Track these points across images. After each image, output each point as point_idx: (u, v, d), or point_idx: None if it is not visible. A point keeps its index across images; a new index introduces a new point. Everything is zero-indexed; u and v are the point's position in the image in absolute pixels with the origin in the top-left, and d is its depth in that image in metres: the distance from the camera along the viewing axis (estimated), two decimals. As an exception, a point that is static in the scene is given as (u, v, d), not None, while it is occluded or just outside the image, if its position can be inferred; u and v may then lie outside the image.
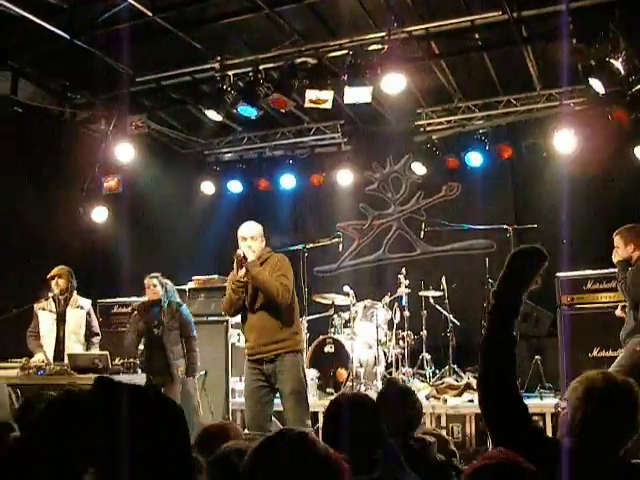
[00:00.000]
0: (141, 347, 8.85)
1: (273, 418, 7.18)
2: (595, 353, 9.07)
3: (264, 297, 6.89)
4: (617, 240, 7.54)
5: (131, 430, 2.11)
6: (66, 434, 2.94)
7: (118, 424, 2.12)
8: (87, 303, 9.10)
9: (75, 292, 9.02)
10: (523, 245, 3.18)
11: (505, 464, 2.79)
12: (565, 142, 10.52)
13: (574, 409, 3.16)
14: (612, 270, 8.12)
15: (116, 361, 8.17)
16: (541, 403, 9.00)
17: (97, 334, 9.10)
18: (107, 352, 8.02)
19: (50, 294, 8.84)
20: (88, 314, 9.06)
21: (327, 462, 2.29)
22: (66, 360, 8.22)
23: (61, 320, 8.85)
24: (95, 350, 8.85)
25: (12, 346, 8.71)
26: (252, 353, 6.98)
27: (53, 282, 8.86)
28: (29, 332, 8.80)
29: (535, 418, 8.67)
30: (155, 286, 8.87)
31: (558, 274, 9.35)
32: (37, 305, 8.84)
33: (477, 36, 9.20)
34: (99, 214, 11.14)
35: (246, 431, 6.59)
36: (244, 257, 6.90)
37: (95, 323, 9.14)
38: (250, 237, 7.04)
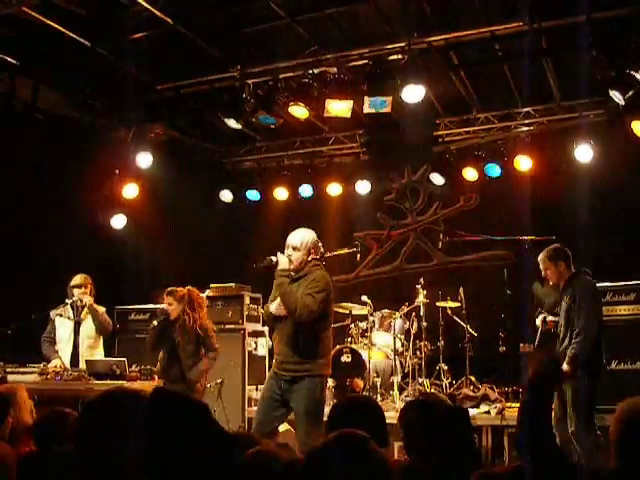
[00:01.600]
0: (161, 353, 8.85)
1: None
2: (613, 366, 9.02)
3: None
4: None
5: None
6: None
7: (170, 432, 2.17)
8: (101, 309, 9.10)
9: (92, 299, 9.04)
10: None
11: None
12: (584, 154, 10.50)
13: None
14: (631, 282, 8.11)
15: (133, 367, 8.18)
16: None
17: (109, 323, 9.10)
18: (124, 358, 8.05)
19: (68, 301, 8.86)
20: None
21: (387, 467, 2.31)
22: (83, 366, 8.25)
23: (77, 327, 8.88)
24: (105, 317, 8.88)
25: (30, 352, 8.75)
26: (275, 365, 6.79)
27: (77, 290, 8.85)
28: (44, 337, 8.82)
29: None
30: (171, 304, 8.74)
31: (576, 286, 9.30)
32: (54, 311, 8.86)
33: (497, 47, 9.19)
34: (118, 221, 11.20)
35: None
36: (275, 264, 6.67)
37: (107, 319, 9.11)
38: (292, 246, 6.74)
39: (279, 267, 6.63)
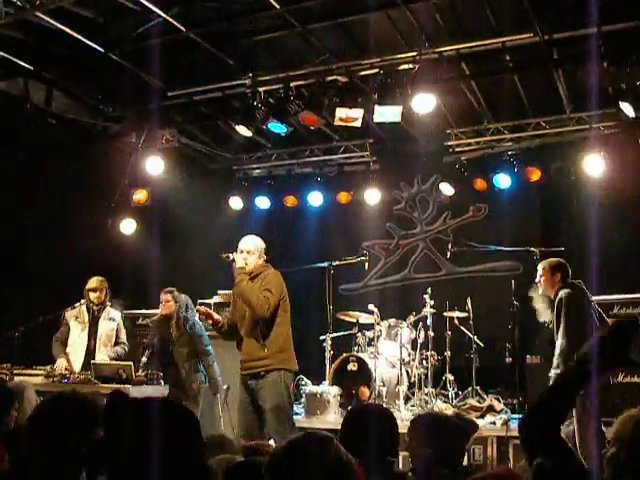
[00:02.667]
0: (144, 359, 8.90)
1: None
2: (620, 379, 8.99)
3: (249, 312, 6.98)
4: None
5: (145, 438, 2.16)
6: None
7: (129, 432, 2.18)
8: (118, 315, 9.16)
9: (108, 304, 9.09)
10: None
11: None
12: (594, 166, 10.49)
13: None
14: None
15: (139, 372, 8.20)
16: (563, 428, 8.91)
17: (123, 343, 9.14)
18: (131, 363, 8.07)
19: (83, 301, 8.89)
20: (118, 326, 9.12)
21: (350, 466, 2.32)
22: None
23: (93, 331, 8.91)
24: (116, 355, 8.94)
25: (38, 354, 8.78)
26: (241, 368, 7.14)
27: (93, 294, 8.90)
28: (55, 337, 8.85)
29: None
30: (168, 301, 8.89)
31: (584, 298, 9.29)
32: (68, 313, 8.89)
33: (508, 57, 9.20)
34: (128, 226, 11.25)
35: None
36: (233, 261, 7.10)
37: (122, 334, 9.18)
38: (247, 251, 7.16)
39: (237, 265, 7.05)
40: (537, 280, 7.92)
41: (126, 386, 7.39)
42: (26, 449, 3.06)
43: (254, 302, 6.86)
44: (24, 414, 5.13)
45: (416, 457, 4.19)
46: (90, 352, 8.81)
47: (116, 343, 9.04)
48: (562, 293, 7.52)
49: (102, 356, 8.77)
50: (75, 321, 8.88)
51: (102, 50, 9.04)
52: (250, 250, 7.17)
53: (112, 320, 9.03)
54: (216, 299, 10.41)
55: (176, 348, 8.65)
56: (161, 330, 8.96)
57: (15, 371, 7.90)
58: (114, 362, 8.57)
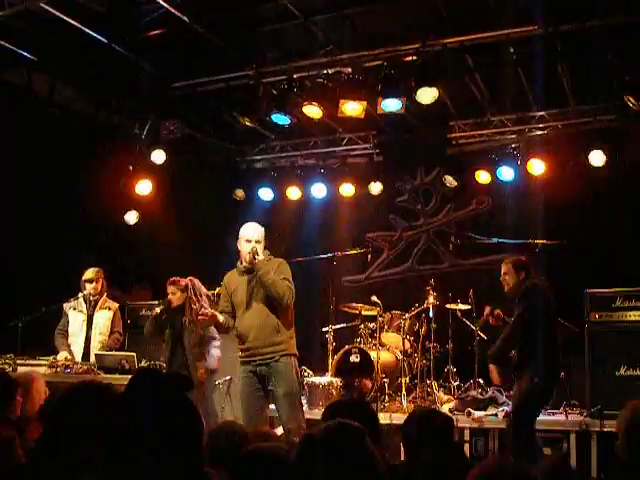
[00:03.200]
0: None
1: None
2: (622, 372, 9.00)
3: (263, 298, 6.99)
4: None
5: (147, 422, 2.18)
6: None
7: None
8: (114, 305, 9.21)
9: (105, 294, 9.12)
10: None
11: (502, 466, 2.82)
12: (598, 158, 10.49)
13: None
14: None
15: (142, 363, 8.23)
16: (566, 420, 8.93)
17: (118, 332, 9.17)
18: (134, 353, 8.10)
19: (80, 294, 8.95)
20: (114, 315, 9.16)
21: (377, 460, 2.35)
22: (93, 359, 8.31)
23: (90, 321, 8.96)
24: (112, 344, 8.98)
25: (41, 344, 8.82)
26: (248, 355, 7.07)
27: (89, 285, 8.96)
28: (58, 330, 8.92)
29: (558, 435, 8.64)
30: (174, 293, 8.88)
31: (587, 290, 9.30)
32: (67, 304, 8.95)
33: (512, 50, 9.18)
34: (131, 217, 11.25)
35: None
36: (255, 253, 7.05)
37: (117, 323, 9.22)
38: (256, 240, 7.20)
39: (259, 258, 7.07)
40: (501, 278, 8.04)
41: (128, 376, 7.40)
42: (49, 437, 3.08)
43: (281, 293, 6.96)
44: (33, 404, 5.16)
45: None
46: (89, 341, 8.87)
47: (111, 333, 9.08)
48: (527, 283, 7.70)
49: (99, 346, 8.81)
50: (73, 312, 8.93)
51: (106, 41, 9.03)
52: (259, 240, 7.21)
53: (108, 309, 9.07)
54: (220, 289, 10.41)
55: (186, 335, 8.64)
56: (172, 318, 8.96)
57: (18, 361, 7.93)
58: (116, 352, 8.61)
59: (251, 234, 7.20)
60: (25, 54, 9.29)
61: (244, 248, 7.17)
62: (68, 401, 3.14)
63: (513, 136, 11.69)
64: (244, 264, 7.25)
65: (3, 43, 8.98)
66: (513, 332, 7.68)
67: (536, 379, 7.40)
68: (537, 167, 11.23)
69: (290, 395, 6.99)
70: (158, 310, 8.75)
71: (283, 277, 7.09)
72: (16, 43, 9.10)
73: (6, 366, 7.57)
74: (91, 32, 8.82)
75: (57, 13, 8.35)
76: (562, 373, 9.34)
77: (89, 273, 9.03)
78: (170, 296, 8.88)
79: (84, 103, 10.80)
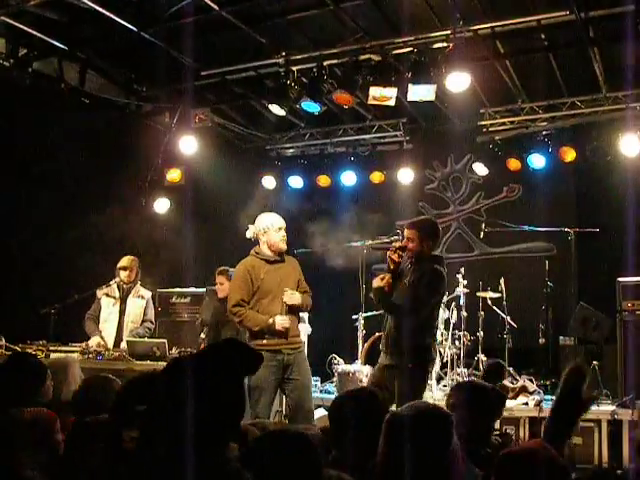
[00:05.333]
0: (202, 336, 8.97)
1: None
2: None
3: (292, 289, 7.11)
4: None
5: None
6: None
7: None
8: (148, 294, 9.26)
9: (139, 283, 9.18)
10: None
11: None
12: (630, 146, 10.39)
13: None
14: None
15: (173, 350, 8.27)
16: (597, 410, 8.87)
17: (150, 321, 9.22)
18: (165, 340, 8.14)
19: (114, 281, 9.00)
20: (147, 303, 9.21)
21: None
22: (124, 346, 8.37)
23: (123, 308, 9.01)
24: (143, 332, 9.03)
25: (74, 331, 8.89)
26: (277, 344, 7.08)
27: (123, 273, 9.02)
28: (88, 314, 8.97)
29: (590, 425, 8.58)
30: (222, 284, 8.94)
31: (619, 279, 9.24)
32: (100, 291, 9.00)
33: (543, 36, 9.10)
34: (161, 205, 11.32)
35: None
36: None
37: (150, 312, 9.26)
38: (285, 228, 7.33)
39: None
40: (403, 242, 7.11)
41: (159, 363, 7.45)
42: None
43: (308, 305, 7.48)
44: (68, 389, 5.20)
45: None
46: (121, 329, 8.92)
47: (143, 321, 9.13)
48: (437, 267, 6.93)
49: (129, 333, 8.86)
50: (106, 298, 8.98)
51: (135, 29, 9.05)
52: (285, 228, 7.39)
53: (141, 298, 9.12)
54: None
55: (224, 331, 8.68)
56: (216, 310, 8.99)
57: (51, 348, 8.00)
58: (148, 339, 8.66)
59: (282, 222, 7.26)
60: (56, 43, 9.33)
61: (275, 236, 7.19)
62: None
63: (544, 123, 11.58)
64: (267, 252, 7.27)
65: (34, 32, 9.04)
66: None
67: None
68: (568, 154, 11.14)
69: (309, 384, 7.33)
70: (208, 299, 8.94)
71: (304, 285, 7.44)
72: (47, 32, 9.15)
73: (39, 352, 7.65)
74: (121, 21, 8.83)
75: (87, 2, 8.37)
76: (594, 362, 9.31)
77: (124, 261, 9.09)
78: (218, 286, 8.94)
79: (114, 92, 10.84)
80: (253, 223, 7.39)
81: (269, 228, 7.24)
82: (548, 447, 2.90)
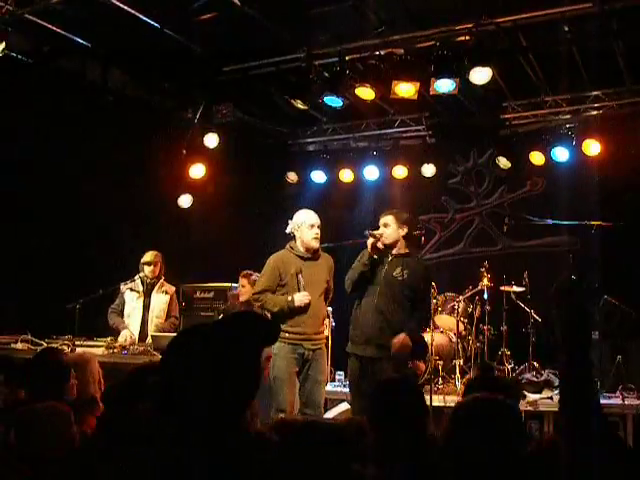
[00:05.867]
0: None
1: None
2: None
3: (320, 288, 7.12)
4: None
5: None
6: None
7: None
8: (172, 289, 9.29)
9: (163, 278, 9.22)
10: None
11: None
12: (655, 138, 10.33)
13: None
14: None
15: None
16: (622, 404, 8.83)
17: (175, 317, 9.25)
18: (189, 335, 8.16)
19: (137, 276, 9.03)
20: (171, 299, 9.24)
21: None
22: (149, 341, 8.41)
23: (147, 303, 9.05)
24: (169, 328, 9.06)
25: (99, 326, 8.94)
26: (300, 338, 7.18)
27: (147, 268, 9.05)
28: (111, 308, 9.01)
29: (615, 419, 8.54)
30: (244, 286, 8.98)
31: (645, 273, 9.20)
32: (124, 285, 9.04)
33: (566, 28, 9.04)
34: (185, 200, 11.36)
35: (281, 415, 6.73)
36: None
37: (174, 307, 9.30)
38: (318, 226, 7.41)
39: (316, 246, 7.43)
40: (379, 231, 7.55)
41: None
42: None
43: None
44: (86, 386, 5.22)
45: None
46: (145, 324, 8.96)
47: (168, 316, 9.16)
48: (425, 262, 7.49)
49: (154, 329, 8.90)
50: (130, 292, 9.02)
51: (158, 25, 9.09)
52: (320, 225, 7.54)
53: (165, 293, 9.15)
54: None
55: None
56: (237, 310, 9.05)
57: (77, 342, 8.05)
58: (173, 334, 8.68)
59: (315, 219, 7.28)
60: (79, 40, 9.38)
61: (308, 233, 7.22)
62: None
63: (568, 116, 11.53)
64: (301, 248, 7.30)
65: (57, 30, 9.09)
66: None
67: None
68: (592, 148, 11.09)
69: (322, 380, 7.37)
70: (223, 307, 8.94)
71: (331, 290, 7.68)
72: (70, 30, 9.20)
73: (65, 347, 7.70)
74: (143, 17, 8.87)
75: (110, -1, 8.43)
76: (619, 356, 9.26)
77: (148, 256, 9.12)
78: (240, 288, 8.98)
79: (137, 88, 10.90)
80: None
81: (302, 225, 7.27)
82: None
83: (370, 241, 7.33)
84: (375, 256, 7.33)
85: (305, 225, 7.25)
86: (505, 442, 2.62)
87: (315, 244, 7.25)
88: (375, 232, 7.31)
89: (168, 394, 2.29)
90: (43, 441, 3.91)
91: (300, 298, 7.09)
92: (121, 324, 8.88)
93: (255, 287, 7.37)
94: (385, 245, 7.37)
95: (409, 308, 7.25)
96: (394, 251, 7.33)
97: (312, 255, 7.31)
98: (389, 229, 7.37)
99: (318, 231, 7.25)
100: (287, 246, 7.44)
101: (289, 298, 7.09)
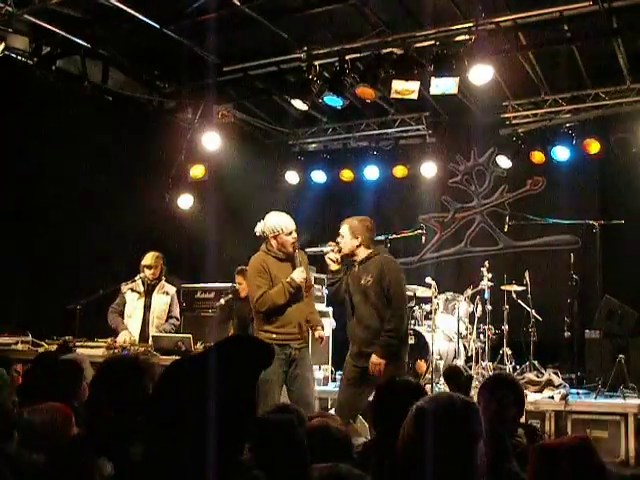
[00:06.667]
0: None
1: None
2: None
3: (303, 288, 7.19)
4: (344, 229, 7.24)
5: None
6: None
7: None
8: (172, 290, 9.25)
9: (164, 279, 9.20)
10: None
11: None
12: (655, 137, 10.33)
13: None
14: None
15: (198, 345, 8.29)
16: (623, 403, 8.81)
17: (175, 317, 9.23)
18: (190, 335, 8.16)
19: (138, 276, 9.01)
20: (172, 300, 9.22)
21: None
22: (150, 341, 8.39)
23: (148, 303, 9.03)
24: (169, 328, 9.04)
25: (99, 327, 8.92)
26: (287, 339, 7.15)
27: (148, 270, 9.02)
28: (112, 308, 8.95)
29: (617, 419, 8.52)
30: (241, 283, 8.96)
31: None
32: (125, 286, 9.01)
33: (566, 27, 9.04)
34: (185, 201, 11.36)
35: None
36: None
37: (175, 308, 9.26)
38: (296, 230, 7.32)
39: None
40: (336, 240, 7.30)
41: (185, 359, 7.45)
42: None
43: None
44: (83, 390, 5.19)
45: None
46: (146, 325, 8.94)
47: (169, 317, 9.14)
48: (389, 261, 7.21)
49: (154, 330, 8.88)
50: (131, 293, 8.99)
51: (158, 26, 9.09)
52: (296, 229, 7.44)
53: (166, 294, 9.12)
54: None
55: (253, 325, 8.72)
56: (239, 309, 9.02)
57: (77, 343, 8.04)
58: (173, 334, 8.68)
59: (293, 225, 7.27)
60: (79, 41, 9.38)
61: (286, 240, 7.21)
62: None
63: (568, 115, 11.52)
64: (278, 251, 7.29)
65: (57, 30, 9.10)
66: None
67: None
68: (592, 146, 11.07)
69: (311, 378, 7.36)
70: (223, 301, 8.87)
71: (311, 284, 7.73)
72: (69, 30, 9.19)
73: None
74: (143, 18, 8.87)
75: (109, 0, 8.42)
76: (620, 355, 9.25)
77: (148, 258, 9.08)
78: (237, 286, 8.96)
79: (137, 89, 10.89)
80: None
81: (280, 232, 7.23)
82: (588, 442, 2.88)
83: (327, 256, 7.32)
84: (334, 268, 7.30)
85: (284, 233, 7.21)
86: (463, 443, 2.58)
87: (292, 250, 7.24)
88: (330, 245, 7.31)
89: (158, 437, 2.22)
90: (44, 442, 3.89)
91: (298, 274, 7.09)
92: (120, 325, 8.85)
93: (253, 295, 7.30)
94: (345, 255, 7.30)
95: (386, 308, 7.17)
96: (356, 258, 7.26)
97: (288, 256, 7.31)
98: (343, 240, 7.29)
99: (296, 235, 7.25)
100: (263, 248, 7.39)
101: (287, 279, 7.09)
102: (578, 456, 2.81)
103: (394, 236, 10.85)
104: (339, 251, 7.23)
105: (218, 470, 2.10)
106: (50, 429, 3.95)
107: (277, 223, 7.25)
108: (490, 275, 10.59)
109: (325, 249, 7.31)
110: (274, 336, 7.09)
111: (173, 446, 2.14)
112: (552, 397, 9.11)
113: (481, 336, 10.54)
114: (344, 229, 7.25)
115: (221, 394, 2.15)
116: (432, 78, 9.14)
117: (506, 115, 11.84)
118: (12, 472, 3.43)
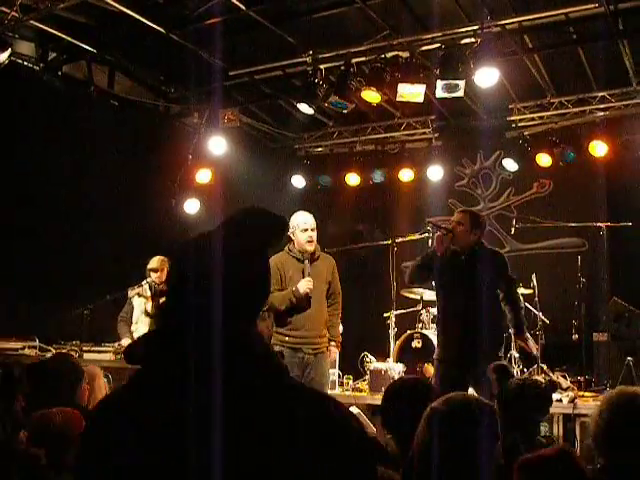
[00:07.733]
0: None
1: None
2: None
3: (320, 290, 7.06)
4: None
5: None
6: None
7: None
8: None
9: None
10: None
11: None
12: (663, 139, 10.30)
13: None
14: None
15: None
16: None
17: None
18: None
19: (145, 281, 9.02)
20: None
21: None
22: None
23: (154, 308, 9.04)
24: None
25: (107, 331, 8.94)
26: (300, 342, 7.18)
27: (154, 274, 9.03)
28: (121, 316, 9.00)
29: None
30: None
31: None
32: (132, 291, 9.02)
33: (572, 29, 9.03)
34: (191, 206, 11.37)
35: None
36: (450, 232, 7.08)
37: None
38: (312, 229, 7.28)
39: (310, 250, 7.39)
40: (451, 226, 7.30)
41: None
42: None
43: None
44: (95, 400, 5.19)
45: None
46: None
47: None
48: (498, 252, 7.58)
49: None
50: (138, 298, 9.01)
51: (163, 31, 9.10)
52: (314, 228, 7.36)
53: None
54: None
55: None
56: None
57: (84, 348, 8.05)
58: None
59: (309, 223, 7.22)
60: (85, 46, 9.40)
61: (301, 237, 7.18)
62: None
63: (574, 118, 11.50)
64: (297, 251, 7.28)
65: (63, 36, 9.12)
66: None
67: None
68: (599, 149, 11.05)
69: (325, 384, 7.39)
70: None
71: (337, 282, 7.58)
72: (75, 36, 9.22)
73: (72, 352, 7.70)
74: (149, 22, 8.88)
75: (115, 4, 8.43)
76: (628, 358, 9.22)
77: (154, 262, 9.10)
78: None
79: (143, 94, 10.91)
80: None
81: (295, 228, 7.23)
82: (568, 452, 2.88)
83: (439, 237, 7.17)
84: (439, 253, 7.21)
85: (298, 229, 7.21)
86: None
87: (309, 247, 7.19)
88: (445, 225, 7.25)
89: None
90: (57, 446, 3.90)
91: (304, 284, 7.04)
92: (125, 333, 8.87)
93: None
94: (457, 244, 7.26)
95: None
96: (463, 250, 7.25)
97: (310, 257, 7.27)
98: (461, 228, 7.22)
99: (312, 234, 7.17)
100: (285, 248, 7.40)
101: (293, 288, 7.06)
102: (559, 467, 2.81)
103: (401, 239, 10.89)
104: (451, 237, 7.12)
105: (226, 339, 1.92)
106: (67, 432, 3.97)
107: (292, 220, 7.28)
108: (497, 278, 10.56)
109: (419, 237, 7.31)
110: (286, 339, 7.12)
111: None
112: (560, 400, 9.08)
113: (488, 339, 10.51)
114: (465, 218, 7.18)
115: (233, 269, 2.04)
116: (438, 81, 9.13)
117: (512, 118, 11.81)
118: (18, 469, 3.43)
